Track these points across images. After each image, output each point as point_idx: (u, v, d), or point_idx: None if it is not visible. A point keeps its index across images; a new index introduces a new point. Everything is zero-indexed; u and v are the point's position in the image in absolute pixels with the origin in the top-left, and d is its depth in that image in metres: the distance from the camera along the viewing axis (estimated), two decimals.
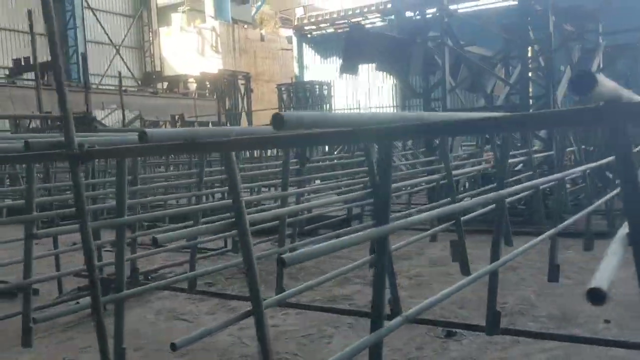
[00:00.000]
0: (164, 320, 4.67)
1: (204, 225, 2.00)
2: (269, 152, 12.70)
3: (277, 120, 1.26)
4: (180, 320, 4.66)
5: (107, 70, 32.07)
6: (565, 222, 3.47)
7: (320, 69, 37.67)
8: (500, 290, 5.02)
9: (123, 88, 20.12)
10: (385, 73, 33.48)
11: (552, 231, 3.15)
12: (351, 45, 8.84)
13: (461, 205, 2.09)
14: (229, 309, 4.96)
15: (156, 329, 4.45)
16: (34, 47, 15.05)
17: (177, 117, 20.43)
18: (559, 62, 9.94)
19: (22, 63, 17.76)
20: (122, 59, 32.30)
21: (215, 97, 23.34)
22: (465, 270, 3.87)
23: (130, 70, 33.50)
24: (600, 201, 4.15)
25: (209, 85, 23.88)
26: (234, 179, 1.97)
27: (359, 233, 1.51)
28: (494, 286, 2.64)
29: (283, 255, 1.27)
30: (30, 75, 18.93)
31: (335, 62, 37.61)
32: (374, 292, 1.73)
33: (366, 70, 36.33)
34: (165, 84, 22.94)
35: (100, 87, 23.44)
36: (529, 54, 9.54)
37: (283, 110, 28.75)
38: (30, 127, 18.34)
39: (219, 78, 23.90)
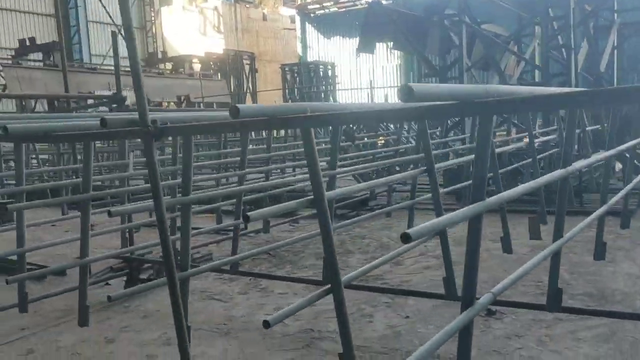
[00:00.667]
0: (198, 300, 4.66)
1: (287, 203, 1.96)
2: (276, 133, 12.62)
3: (405, 91, 1.22)
4: (215, 300, 4.66)
5: (109, 50, 31.80)
6: (612, 200, 3.44)
7: (323, 48, 37.39)
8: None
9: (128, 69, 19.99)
10: (397, 52, 33.26)
11: (601, 210, 3.12)
12: (369, 23, 8.71)
13: (540, 182, 2.05)
14: (260, 288, 4.96)
15: (193, 309, 4.42)
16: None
17: (182, 97, 20.27)
18: (577, 40, 9.80)
19: (27, 43, 17.57)
20: (124, 39, 31.98)
21: (220, 77, 23.13)
22: (508, 248, 3.85)
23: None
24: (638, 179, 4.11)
25: (213, 66, 23.67)
26: (313, 156, 1.94)
27: (463, 209, 1.48)
28: (556, 264, 2.61)
29: (408, 231, 1.24)
30: (34, 56, 18.77)
31: (339, 42, 37.33)
32: (465, 270, 1.70)
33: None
34: (170, 65, 22.69)
35: (102, 67, 23.25)
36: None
37: (287, 91, 28.65)
38: (35, 109, 18.26)
39: (224, 58, 23.69)
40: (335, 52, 36.91)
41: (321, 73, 29.80)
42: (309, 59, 36.21)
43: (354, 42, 36.52)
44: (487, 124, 1.60)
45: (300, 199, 2.05)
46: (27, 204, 3.45)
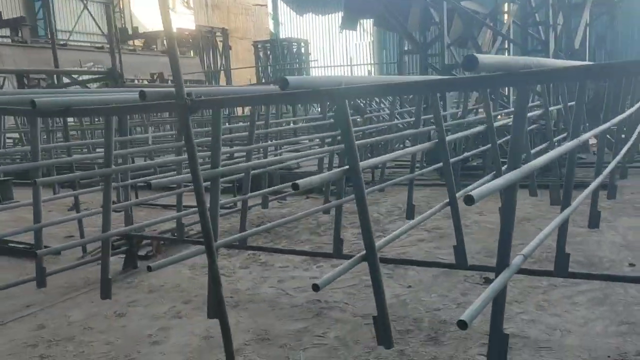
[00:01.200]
0: (202, 275, 4.71)
1: (327, 173, 2.02)
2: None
3: (470, 62, 1.31)
4: (221, 276, 4.71)
5: (74, 26, 30.93)
6: (605, 172, 3.62)
7: (296, 25, 37.08)
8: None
9: (99, 45, 19.44)
10: (370, 29, 33.16)
11: (597, 181, 3.30)
12: (352, 0, 8.73)
13: (556, 153, 2.17)
14: (260, 263, 5.04)
15: (198, 283, 4.50)
16: None
17: (155, 75, 19.91)
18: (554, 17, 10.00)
19: None
20: (91, 15, 31.14)
21: (193, 54, 22.76)
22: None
23: (99, 27, 32.34)
24: (624, 151, 4.32)
25: (185, 43, 23.23)
26: (349, 128, 2.01)
27: (506, 176, 1.58)
28: (564, 231, 2.77)
29: (471, 193, 1.34)
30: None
31: (312, 19, 37.06)
32: (501, 235, 1.82)
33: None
34: (142, 41, 22.18)
35: (69, 43, 22.59)
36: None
37: (261, 69, 28.40)
38: (4, 86, 17.69)
39: (197, 35, 23.30)
40: (308, 29, 36.69)
41: (294, 50, 29.59)
42: (281, 36, 35.90)
43: (327, 19, 36.42)
44: (524, 94, 1.71)
45: (336, 170, 2.12)
46: (56, 177, 3.46)
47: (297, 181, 1.80)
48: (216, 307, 2.77)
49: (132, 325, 3.71)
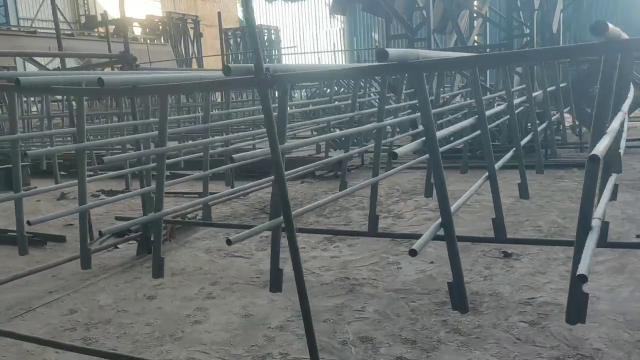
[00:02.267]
0: (220, 258, 4.73)
1: (410, 144, 2.07)
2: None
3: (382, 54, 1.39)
4: (237, 257, 4.74)
5: (37, 13, 29.89)
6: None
7: (265, 12, 36.75)
8: (527, 217, 5.48)
9: (69, 32, 18.87)
10: (340, 17, 33.15)
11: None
12: None
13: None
14: None
15: (219, 266, 4.52)
16: None
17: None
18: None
19: None
20: (53, 1, 30.14)
21: (165, 42, 22.34)
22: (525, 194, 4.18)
23: (62, 14, 31.34)
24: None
25: (160, 29, 22.81)
26: (426, 100, 2.07)
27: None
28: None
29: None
30: None
31: (281, 5, 36.79)
32: (582, 210, 1.92)
33: (313, 14, 35.87)
34: (110, 28, 21.62)
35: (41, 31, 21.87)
36: None
37: (231, 57, 28.12)
38: None
39: (168, 22, 22.88)
40: (277, 16, 36.43)
41: (265, 37, 29.41)
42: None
43: (297, 6, 36.26)
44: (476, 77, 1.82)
45: (415, 141, 2.19)
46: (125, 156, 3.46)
47: (395, 150, 1.85)
48: (281, 281, 2.80)
49: (166, 306, 3.71)
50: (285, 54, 30.39)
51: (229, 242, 2.21)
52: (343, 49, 33.33)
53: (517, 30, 10.56)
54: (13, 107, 2.92)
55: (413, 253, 1.85)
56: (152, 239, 5.06)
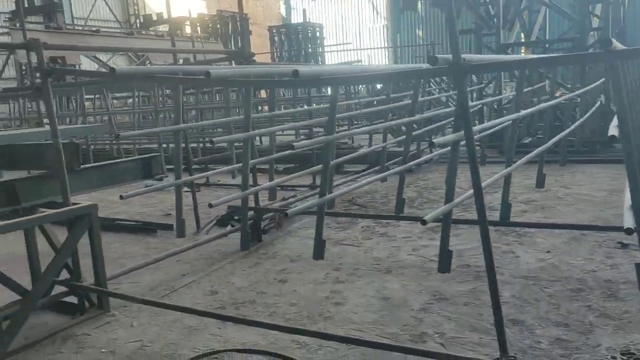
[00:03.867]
0: (331, 246, 4.88)
1: (450, 135, 2.19)
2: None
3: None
4: (347, 245, 4.90)
5: (89, 13, 30.80)
6: None
7: (308, 10, 36.91)
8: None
9: (128, 31, 19.43)
10: (382, 13, 33.13)
11: None
12: None
13: None
14: (379, 234, 5.21)
15: (332, 253, 4.66)
16: None
17: (181, 60, 19.92)
18: None
19: (26, 5, 16.89)
20: (106, 1, 31.10)
21: (216, 40, 22.78)
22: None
23: (113, 13, 32.32)
24: None
25: (210, 27, 23.27)
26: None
27: None
28: None
29: None
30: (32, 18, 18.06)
31: (324, 3, 36.96)
32: None
33: (356, 11, 35.88)
34: (165, 27, 22.18)
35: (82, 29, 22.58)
36: None
37: (276, 54, 28.42)
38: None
39: (219, 20, 23.31)
40: (320, 13, 36.59)
41: (309, 34, 29.61)
42: (293, 21, 35.89)
43: (341, 2, 36.34)
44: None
45: (454, 134, 2.30)
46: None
47: (435, 140, 1.97)
48: (447, 263, 2.92)
49: (300, 289, 3.89)
50: (328, 51, 30.48)
51: (424, 222, 2.34)
52: (386, 45, 33.27)
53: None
54: (178, 99, 3.13)
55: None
56: (263, 227, 5.31)
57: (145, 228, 5.82)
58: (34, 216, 3.19)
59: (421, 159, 4.65)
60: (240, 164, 4.26)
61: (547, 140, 4.92)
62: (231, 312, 3.52)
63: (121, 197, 3.28)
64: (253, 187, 4.42)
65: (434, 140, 2.46)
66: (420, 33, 32.59)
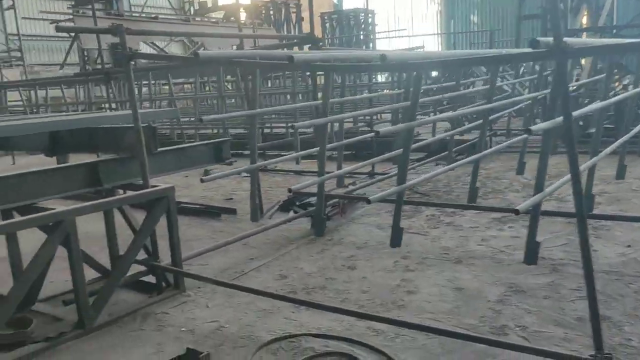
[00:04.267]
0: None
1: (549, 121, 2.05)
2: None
3: None
4: (413, 234, 4.83)
5: (146, 1, 31.47)
6: None
7: None
8: None
9: (184, 18, 19.77)
10: None
11: None
12: None
13: None
14: (446, 223, 5.12)
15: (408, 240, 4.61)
16: None
17: (234, 47, 20.13)
18: None
19: None
20: None
21: (269, 26, 22.90)
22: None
23: (168, 0, 32.97)
24: None
25: (263, 14, 23.41)
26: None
27: None
28: None
29: None
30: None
31: None
32: None
33: None
34: (221, 13, 22.48)
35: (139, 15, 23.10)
36: None
37: (328, 40, 28.29)
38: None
39: (273, 6, 23.39)
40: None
41: (361, 20, 29.36)
42: (344, 7, 35.62)
43: None
44: None
45: (552, 120, 2.15)
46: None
47: (530, 127, 1.83)
48: (534, 255, 2.83)
49: (370, 277, 3.86)
50: (380, 38, 30.12)
51: (517, 212, 2.26)
52: (439, 32, 32.60)
53: None
54: (255, 84, 3.13)
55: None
56: (326, 213, 5.30)
57: (210, 212, 5.91)
58: (118, 197, 3.28)
59: (494, 147, 4.49)
60: (307, 151, 4.25)
61: (625, 131, 4.69)
62: (303, 297, 3.53)
63: (202, 180, 3.33)
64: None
65: (531, 128, 2.33)
66: (475, 19, 31.74)
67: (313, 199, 5.93)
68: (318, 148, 2.97)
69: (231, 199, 6.77)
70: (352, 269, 4.04)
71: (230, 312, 3.38)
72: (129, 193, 3.47)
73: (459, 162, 4.27)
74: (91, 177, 3.43)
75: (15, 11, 16.69)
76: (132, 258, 3.34)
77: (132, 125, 3.48)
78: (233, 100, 12.07)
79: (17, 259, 3.31)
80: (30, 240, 3.34)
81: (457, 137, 7.74)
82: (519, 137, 5.21)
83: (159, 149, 3.69)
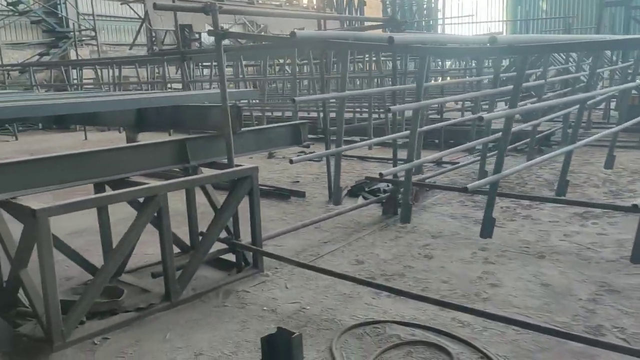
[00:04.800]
0: (471, 224, 4.71)
1: None
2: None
3: None
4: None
5: None
6: None
7: None
8: None
9: (249, 1, 19.94)
10: None
11: None
12: None
13: None
14: (523, 216, 4.94)
15: (474, 232, 4.42)
16: None
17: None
18: None
19: None
20: None
21: (331, 10, 22.77)
22: None
23: None
24: None
25: None
26: None
27: None
28: None
29: None
30: None
31: None
32: None
33: None
34: None
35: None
36: None
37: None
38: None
39: None
40: None
41: (424, 4, 28.80)
42: None
43: None
44: None
45: None
46: None
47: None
48: None
49: (450, 267, 3.77)
50: (443, 24, 29.40)
51: (636, 208, 2.12)
52: (505, 18, 31.50)
53: None
54: (346, 66, 3.07)
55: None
56: (399, 200, 5.22)
57: (279, 194, 5.95)
58: (207, 174, 3.33)
59: (585, 140, 4.27)
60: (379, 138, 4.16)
61: None
62: (381, 282, 3.49)
63: (291, 162, 3.32)
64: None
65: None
66: (544, 5, 30.49)
67: (382, 185, 5.89)
68: (409, 133, 2.89)
69: (297, 181, 6.79)
70: (429, 258, 3.96)
71: (310, 294, 3.38)
72: (215, 171, 3.51)
73: (554, 153, 4.07)
74: (179, 153, 3.49)
75: None
76: (215, 235, 3.39)
77: (218, 104, 3.51)
78: (306, 83, 12.06)
79: (107, 232, 3.42)
80: (111, 214, 3.45)
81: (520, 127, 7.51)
82: (613, 129, 4.93)
83: (243, 129, 3.71)
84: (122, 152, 3.27)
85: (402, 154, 4.89)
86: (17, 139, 12.86)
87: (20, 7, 16.52)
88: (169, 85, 13.52)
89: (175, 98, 4.00)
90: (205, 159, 3.62)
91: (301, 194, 5.96)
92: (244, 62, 16.37)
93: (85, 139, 12.35)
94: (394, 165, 5.05)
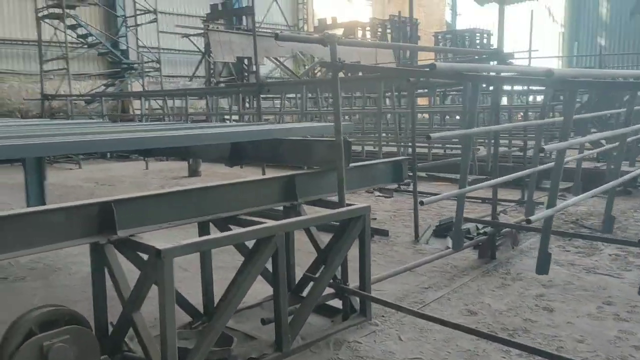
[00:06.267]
0: (582, 273, 4.32)
1: None
2: None
3: None
4: (601, 275, 4.29)
5: (264, 18, 32.59)
6: None
7: (475, 16, 35.58)
8: None
9: (308, 33, 20.12)
10: (558, 19, 30.91)
11: None
12: None
13: None
14: (637, 265, 4.51)
15: (588, 282, 4.10)
16: None
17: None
18: None
19: (219, 8, 18.27)
20: (279, 6, 32.70)
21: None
22: None
23: (284, 17, 33.88)
24: None
25: (379, 32, 23.36)
26: None
27: None
28: None
29: None
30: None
31: (494, 8, 35.30)
32: None
33: (527, 12, 33.64)
34: (341, 31, 22.66)
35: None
36: None
37: (441, 59, 27.70)
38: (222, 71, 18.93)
39: (390, 25, 23.30)
40: (487, 19, 35.03)
41: (477, 41, 28.60)
42: (458, 27, 34.93)
43: (512, 7, 34.42)
44: None
45: None
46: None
47: None
48: None
49: (578, 323, 3.39)
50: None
51: None
52: (561, 54, 30.78)
53: None
54: (476, 97, 2.83)
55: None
56: (496, 244, 4.87)
57: None
58: (320, 214, 3.10)
59: None
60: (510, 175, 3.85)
61: None
62: (502, 335, 3.14)
63: (421, 203, 3.06)
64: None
65: None
66: (603, 42, 29.67)
67: (470, 226, 5.52)
68: (552, 175, 2.60)
69: (374, 219, 6.50)
70: (549, 311, 3.59)
71: (429, 348, 3.06)
72: (327, 210, 3.28)
73: None
74: (286, 190, 3.28)
75: (157, 25, 17.75)
76: (327, 281, 3.13)
77: (321, 138, 3.31)
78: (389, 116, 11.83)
79: (209, 271, 3.22)
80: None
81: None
82: None
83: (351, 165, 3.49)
84: (230, 189, 3.08)
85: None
86: (80, 167, 13.10)
87: (90, 39, 17.08)
88: (226, 117, 13.65)
89: (276, 131, 3.83)
90: (313, 196, 3.41)
91: (385, 233, 5.68)
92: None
93: (146, 168, 12.46)
94: (494, 208, 4.72)
